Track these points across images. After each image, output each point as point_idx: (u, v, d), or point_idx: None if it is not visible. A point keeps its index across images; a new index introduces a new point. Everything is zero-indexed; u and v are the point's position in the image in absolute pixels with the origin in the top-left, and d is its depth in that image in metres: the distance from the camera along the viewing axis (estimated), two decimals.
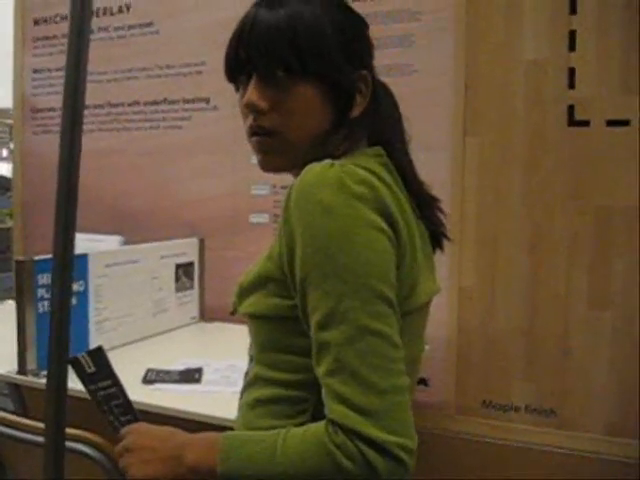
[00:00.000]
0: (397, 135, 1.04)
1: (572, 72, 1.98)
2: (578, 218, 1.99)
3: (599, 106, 1.94)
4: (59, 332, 0.69)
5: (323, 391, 0.79)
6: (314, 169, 0.83)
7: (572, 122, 1.99)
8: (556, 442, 2.05)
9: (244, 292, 0.93)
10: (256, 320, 0.93)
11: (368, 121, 0.99)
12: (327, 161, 0.84)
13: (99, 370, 0.96)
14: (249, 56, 0.91)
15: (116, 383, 1.00)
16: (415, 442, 0.76)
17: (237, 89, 0.97)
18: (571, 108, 1.98)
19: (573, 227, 1.99)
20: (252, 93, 0.91)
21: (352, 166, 0.83)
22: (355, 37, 0.96)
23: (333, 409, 0.76)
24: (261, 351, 0.94)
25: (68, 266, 0.67)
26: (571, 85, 1.98)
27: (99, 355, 0.96)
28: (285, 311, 0.87)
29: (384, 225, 0.81)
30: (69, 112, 0.63)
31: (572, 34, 1.97)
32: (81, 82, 0.62)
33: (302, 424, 0.83)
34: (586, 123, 1.97)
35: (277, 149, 0.94)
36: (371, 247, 0.79)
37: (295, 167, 0.94)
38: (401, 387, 0.77)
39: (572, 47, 1.97)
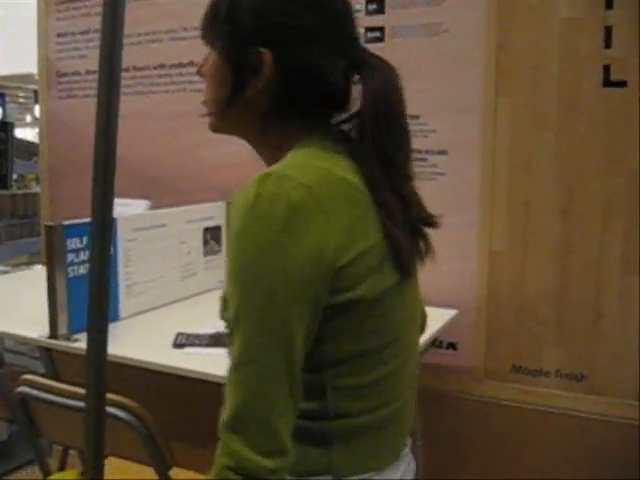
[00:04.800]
0: (371, 133, 0.92)
1: (609, 31, 1.92)
2: (612, 181, 1.95)
3: (636, 66, 1.89)
4: (99, 297, 0.68)
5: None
6: (247, 190, 0.83)
7: (608, 82, 1.94)
8: (586, 407, 2.04)
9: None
10: None
11: (281, 105, 0.95)
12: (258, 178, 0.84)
13: None
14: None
15: None
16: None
17: None
18: (607, 68, 1.93)
19: (606, 190, 1.96)
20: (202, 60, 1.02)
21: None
22: (249, 14, 0.93)
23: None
24: None
25: (107, 231, 0.66)
26: (607, 44, 1.92)
27: None
28: None
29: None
30: (106, 76, 0.61)
31: None
32: (118, 44, 0.61)
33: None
34: (622, 84, 1.92)
35: (207, 112, 1.02)
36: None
37: (227, 134, 1.02)
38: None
39: (609, 5, 1.91)
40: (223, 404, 0.82)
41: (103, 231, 0.66)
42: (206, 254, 2.34)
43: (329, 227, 0.83)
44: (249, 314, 0.81)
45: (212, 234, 2.36)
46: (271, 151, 0.99)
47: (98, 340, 0.70)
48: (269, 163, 0.98)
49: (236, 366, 0.81)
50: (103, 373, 0.72)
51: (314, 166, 0.88)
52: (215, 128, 1.02)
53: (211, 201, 2.41)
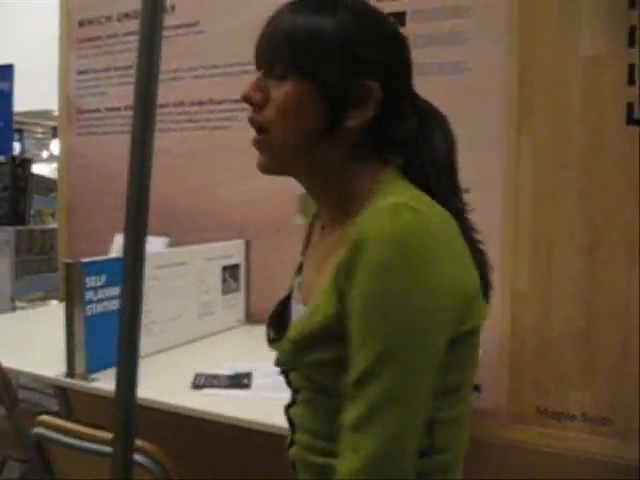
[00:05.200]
0: (440, 174, 0.93)
1: (631, 68, 1.91)
2: (637, 219, 1.91)
3: None
4: (130, 337, 0.66)
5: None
6: (387, 220, 0.78)
7: (631, 120, 1.92)
8: (612, 451, 1.98)
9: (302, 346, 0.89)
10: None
11: (378, 139, 0.93)
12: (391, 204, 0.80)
13: None
14: (259, 50, 0.93)
15: None
16: None
17: None
18: (630, 106, 1.91)
19: (632, 228, 1.92)
20: (249, 85, 0.91)
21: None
22: (367, 46, 0.89)
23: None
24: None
25: (139, 271, 0.64)
26: (630, 82, 1.91)
27: None
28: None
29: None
30: (141, 113, 0.59)
31: (632, 29, 1.90)
32: (153, 81, 0.59)
33: None
34: None
35: (266, 147, 0.92)
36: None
37: (287, 172, 0.93)
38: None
39: (631, 42, 1.90)
40: (348, 446, 0.79)
41: (136, 266, 0.64)
42: (224, 293, 2.31)
43: (458, 256, 0.83)
44: (397, 352, 0.76)
45: (230, 272, 2.34)
46: (338, 185, 0.93)
47: (128, 383, 0.67)
48: (330, 199, 0.95)
49: (374, 408, 0.77)
50: (132, 417, 0.69)
51: (427, 199, 0.86)
52: (277, 164, 0.92)
53: (229, 239, 2.40)
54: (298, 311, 0.99)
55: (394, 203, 0.80)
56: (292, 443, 0.98)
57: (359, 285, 0.78)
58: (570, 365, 2.01)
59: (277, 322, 1.06)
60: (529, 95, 2.03)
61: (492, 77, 2.08)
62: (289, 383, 1.01)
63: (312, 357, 0.87)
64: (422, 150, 0.93)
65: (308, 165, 0.92)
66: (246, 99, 0.90)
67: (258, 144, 0.92)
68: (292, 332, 0.91)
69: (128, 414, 0.70)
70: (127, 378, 0.68)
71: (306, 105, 0.88)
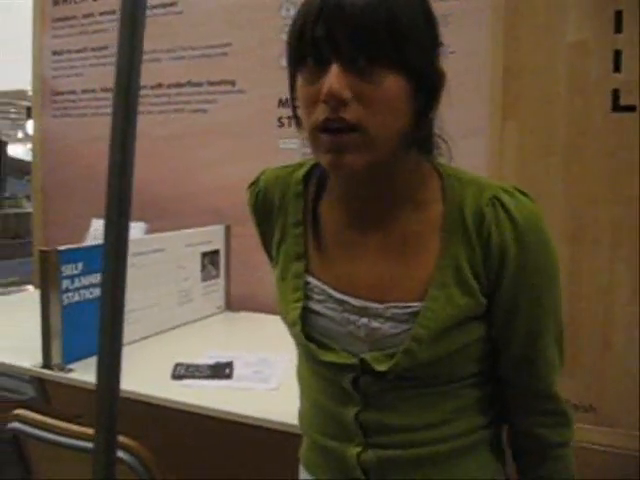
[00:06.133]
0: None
1: (618, 55, 1.88)
2: (621, 208, 1.90)
3: None
4: (111, 329, 0.63)
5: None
6: (528, 203, 0.88)
7: (617, 107, 1.89)
8: (594, 439, 1.98)
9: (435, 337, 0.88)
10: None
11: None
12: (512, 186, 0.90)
13: None
14: (333, 36, 0.78)
15: None
16: None
17: (293, 75, 0.86)
18: (616, 92, 1.89)
19: (616, 217, 1.91)
20: (335, 81, 0.78)
21: None
22: (437, 27, 0.85)
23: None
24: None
25: (122, 249, 0.61)
26: (616, 68, 1.89)
27: None
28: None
29: None
30: (122, 96, 0.56)
31: (618, 15, 1.87)
32: (136, 64, 0.55)
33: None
34: (632, 108, 1.87)
35: (358, 147, 0.81)
36: None
37: (370, 171, 0.84)
38: None
39: (618, 28, 1.87)
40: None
41: (118, 250, 0.61)
42: (204, 279, 2.28)
43: None
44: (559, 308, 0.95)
45: (210, 259, 2.30)
46: (409, 174, 0.90)
47: (110, 376, 0.64)
48: (395, 189, 0.90)
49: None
50: (114, 412, 0.66)
51: None
52: (373, 164, 0.83)
53: (207, 224, 2.36)
54: (369, 310, 0.91)
55: (514, 187, 0.89)
56: (365, 447, 0.94)
57: (532, 260, 0.88)
58: None
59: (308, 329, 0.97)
60: (514, 80, 2.00)
61: (476, 61, 2.05)
62: (357, 388, 0.93)
63: (456, 342, 0.88)
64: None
65: (395, 160, 0.86)
66: (333, 97, 0.78)
67: (346, 144, 0.81)
68: (428, 325, 0.87)
69: (110, 410, 0.67)
70: (109, 373, 0.64)
71: (402, 99, 0.81)
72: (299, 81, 0.84)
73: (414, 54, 0.80)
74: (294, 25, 0.83)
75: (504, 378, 0.96)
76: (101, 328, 0.64)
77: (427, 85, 0.83)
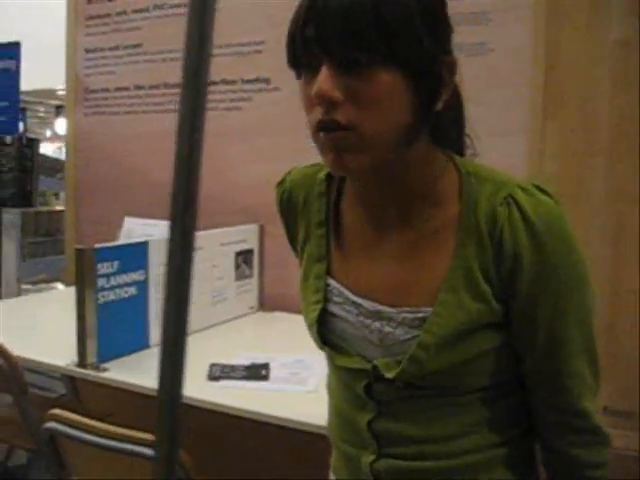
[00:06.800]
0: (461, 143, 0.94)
1: None
2: None
3: None
4: (176, 332, 0.60)
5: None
6: (548, 202, 0.83)
7: None
8: (634, 445, 1.94)
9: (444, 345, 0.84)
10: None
11: (453, 118, 0.88)
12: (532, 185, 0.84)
13: None
14: (321, 36, 0.76)
15: None
16: None
17: (298, 75, 0.83)
18: None
19: None
20: (324, 81, 0.76)
21: None
22: (441, 17, 0.82)
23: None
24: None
25: (190, 241, 0.58)
26: None
27: None
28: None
29: None
30: (191, 94, 0.53)
31: None
32: (205, 62, 0.53)
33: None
34: None
35: (353, 146, 0.79)
36: None
37: (373, 169, 0.81)
38: None
39: None
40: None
41: (186, 241, 0.58)
42: (237, 279, 2.26)
43: None
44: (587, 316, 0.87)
45: (244, 258, 2.28)
46: (421, 173, 0.86)
47: (173, 384, 0.61)
48: (410, 189, 0.87)
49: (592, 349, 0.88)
50: (177, 418, 0.63)
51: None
52: (373, 165, 0.81)
53: (241, 223, 2.34)
54: (382, 314, 0.89)
55: (534, 184, 0.84)
56: (378, 456, 0.92)
57: (551, 264, 0.82)
58: None
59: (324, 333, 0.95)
60: (556, 79, 1.96)
61: (517, 59, 2.01)
62: (371, 395, 0.91)
63: (469, 351, 0.84)
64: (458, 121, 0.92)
65: (402, 158, 0.83)
66: (322, 98, 0.76)
67: (340, 144, 0.79)
68: (435, 331, 0.84)
69: (172, 415, 0.64)
70: (172, 377, 0.61)
71: (398, 95, 0.78)
72: (300, 82, 0.82)
73: (406, 48, 0.76)
74: (289, 27, 0.81)
75: (529, 391, 0.91)
76: (165, 334, 0.61)
77: (427, 78, 0.79)
